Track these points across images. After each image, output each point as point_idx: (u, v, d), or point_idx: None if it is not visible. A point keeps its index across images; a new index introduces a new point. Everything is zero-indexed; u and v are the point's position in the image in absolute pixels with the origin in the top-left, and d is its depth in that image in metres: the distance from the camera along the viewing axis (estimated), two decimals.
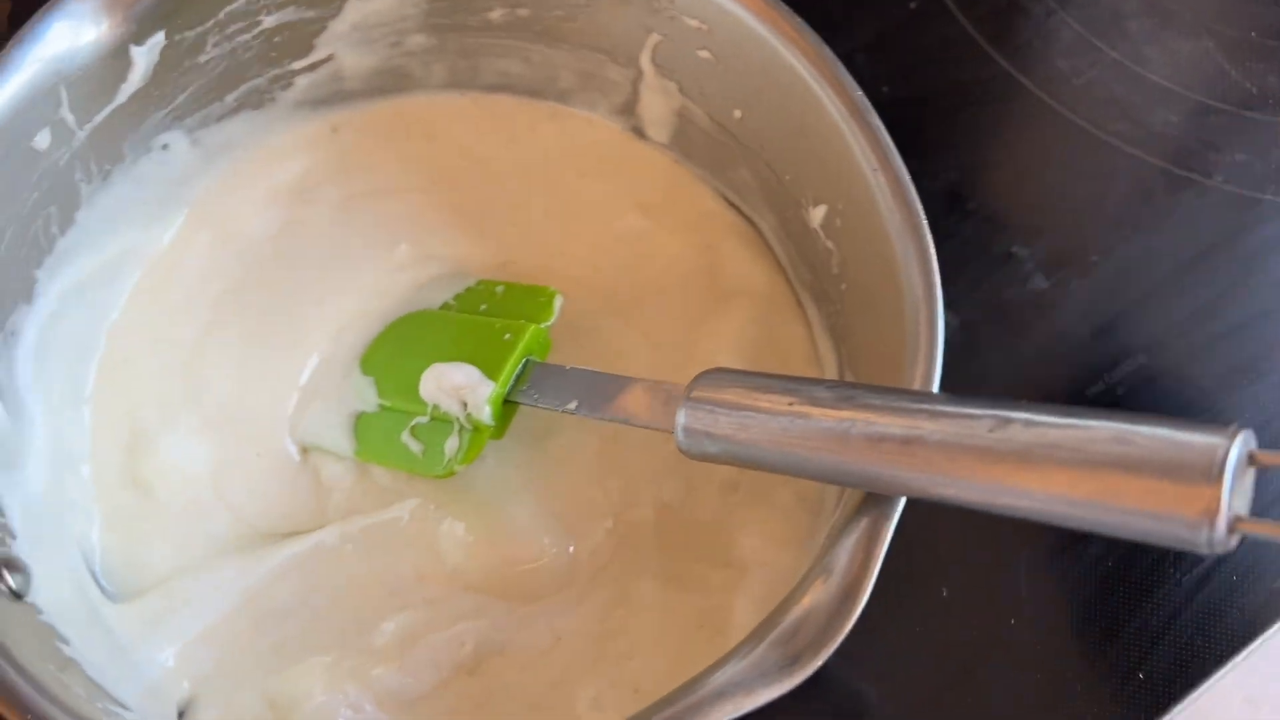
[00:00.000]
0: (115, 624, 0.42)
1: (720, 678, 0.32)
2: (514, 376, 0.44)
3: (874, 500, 0.34)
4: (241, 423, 0.47)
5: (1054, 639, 0.46)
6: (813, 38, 0.41)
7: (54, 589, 0.39)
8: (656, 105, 0.50)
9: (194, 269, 0.49)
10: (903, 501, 0.34)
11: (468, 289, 0.49)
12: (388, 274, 0.50)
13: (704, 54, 0.46)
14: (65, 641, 0.37)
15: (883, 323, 0.39)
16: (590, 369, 0.43)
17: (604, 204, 0.51)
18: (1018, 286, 0.53)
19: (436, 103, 0.52)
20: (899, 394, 0.34)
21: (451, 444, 0.44)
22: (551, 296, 0.47)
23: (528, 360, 0.44)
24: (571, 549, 0.44)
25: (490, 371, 0.44)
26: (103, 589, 0.43)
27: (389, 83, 0.51)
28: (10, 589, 0.36)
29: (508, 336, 0.45)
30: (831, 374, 0.46)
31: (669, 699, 0.33)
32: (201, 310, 0.49)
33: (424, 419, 0.45)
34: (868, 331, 0.41)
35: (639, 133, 0.51)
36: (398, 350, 0.47)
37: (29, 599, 0.37)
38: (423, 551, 0.45)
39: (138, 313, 0.48)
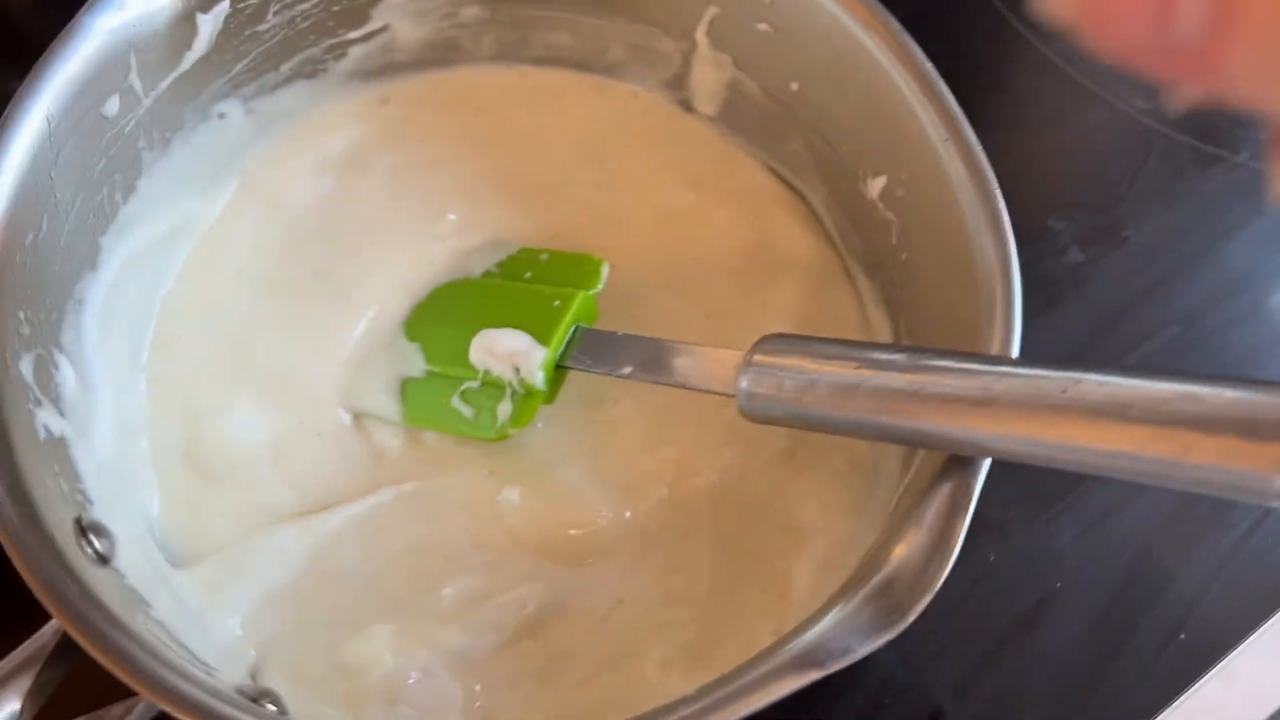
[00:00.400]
0: (181, 590, 0.42)
1: (817, 632, 0.33)
2: (565, 342, 0.44)
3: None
4: (294, 395, 0.47)
5: (1098, 601, 0.48)
6: (879, 9, 0.42)
7: (129, 554, 0.39)
8: (708, 78, 0.50)
9: (243, 240, 0.49)
10: None
11: (510, 257, 0.49)
12: (434, 243, 0.50)
13: (763, 26, 0.46)
14: (149, 605, 0.37)
15: (951, 292, 0.40)
16: (644, 335, 0.43)
17: (652, 178, 0.51)
18: (1054, 259, 0.54)
19: (484, 75, 0.52)
20: (965, 356, 0.35)
21: (504, 408, 0.45)
22: (598, 264, 0.47)
23: (577, 327, 0.45)
24: (628, 514, 0.45)
25: (541, 337, 0.44)
26: (165, 557, 0.43)
27: (438, 55, 0.51)
28: (98, 553, 0.36)
29: (557, 303, 0.45)
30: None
31: (769, 653, 0.33)
32: (250, 282, 0.49)
33: (474, 384, 0.45)
34: (932, 301, 0.42)
35: (687, 105, 0.52)
36: (444, 316, 0.47)
37: (114, 564, 0.37)
38: (478, 515, 0.45)
39: (189, 284, 0.48)
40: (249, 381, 0.47)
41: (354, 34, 0.48)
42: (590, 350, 0.44)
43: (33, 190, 0.37)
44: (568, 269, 0.48)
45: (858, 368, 0.35)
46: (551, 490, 0.45)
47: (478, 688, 0.42)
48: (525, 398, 0.45)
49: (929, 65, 0.41)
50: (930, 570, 0.33)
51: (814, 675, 0.32)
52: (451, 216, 0.50)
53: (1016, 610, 0.47)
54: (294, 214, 0.50)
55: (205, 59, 0.44)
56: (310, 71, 0.49)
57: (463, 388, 0.45)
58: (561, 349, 0.44)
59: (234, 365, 0.47)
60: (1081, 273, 0.54)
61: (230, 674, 0.39)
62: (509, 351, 0.44)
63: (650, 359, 0.42)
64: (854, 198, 0.46)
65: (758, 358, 0.38)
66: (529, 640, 0.43)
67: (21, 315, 0.37)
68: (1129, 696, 0.46)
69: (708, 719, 0.31)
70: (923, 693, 0.47)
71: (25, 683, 0.32)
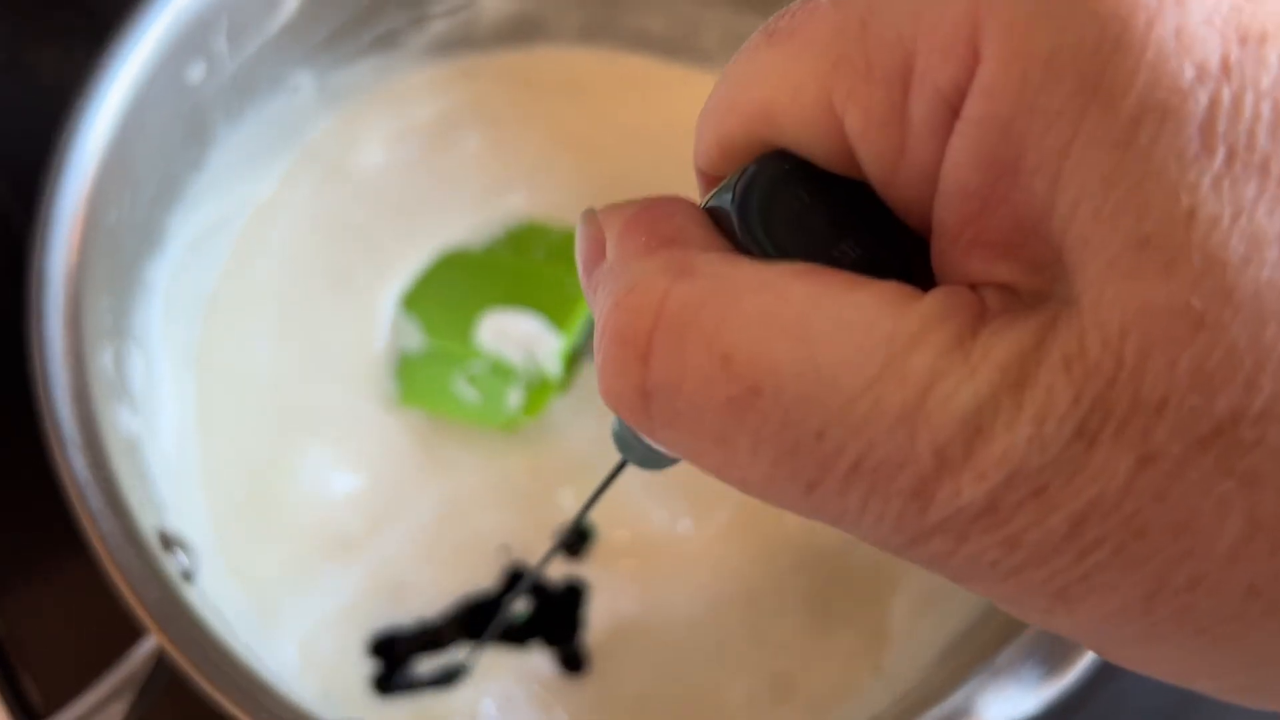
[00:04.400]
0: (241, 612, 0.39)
1: (977, 685, 0.31)
2: (581, 329, 0.42)
3: None
4: (334, 422, 0.43)
5: None
6: None
7: (208, 569, 0.36)
8: None
9: (287, 228, 0.45)
10: None
11: (515, 230, 0.46)
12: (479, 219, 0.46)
13: None
14: (232, 628, 0.34)
15: None
16: None
17: None
18: None
19: (569, 56, 0.49)
20: None
21: (515, 395, 0.42)
22: None
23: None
24: (689, 524, 0.42)
25: (555, 321, 0.41)
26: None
27: (521, 31, 0.48)
28: (184, 570, 0.33)
29: (574, 288, 0.42)
30: None
31: (919, 706, 0.31)
32: (289, 276, 0.45)
33: (482, 367, 0.42)
34: None
35: None
36: (447, 290, 0.44)
37: (197, 582, 0.34)
38: (529, 512, 0.42)
39: (232, 284, 0.44)
40: (291, 418, 0.43)
41: (439, 7, 0.45)
42: None
43: (117, 161, 0.34)
44: None
45: None
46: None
47: (561, 716, 0.40)
48: (538, 386, 0.42)
49: None
50: None
51: None
52: (519, 197, 0.47)
53: None
54: (345, 194, 0.46)
55: (291, 24, 0.40)
56: (388, 44, 0.45)
57: (470, 371, 0.42)
58: (578, 337, 0.42)
59: (274, 401, 0.43)
60: None
61: (303, 694, 0.36)
62: (522, 336, 0.42)
63: None
64: None
65: None
66: (606, 661, 0.41)
67: (105, 304, 0.33)
68: None
69: None
70: None
71: (118, 712, 0.29)
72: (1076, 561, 0.12)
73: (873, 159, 0.14)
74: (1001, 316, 0.12)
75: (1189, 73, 0.11)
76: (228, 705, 0.27)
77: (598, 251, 0.16)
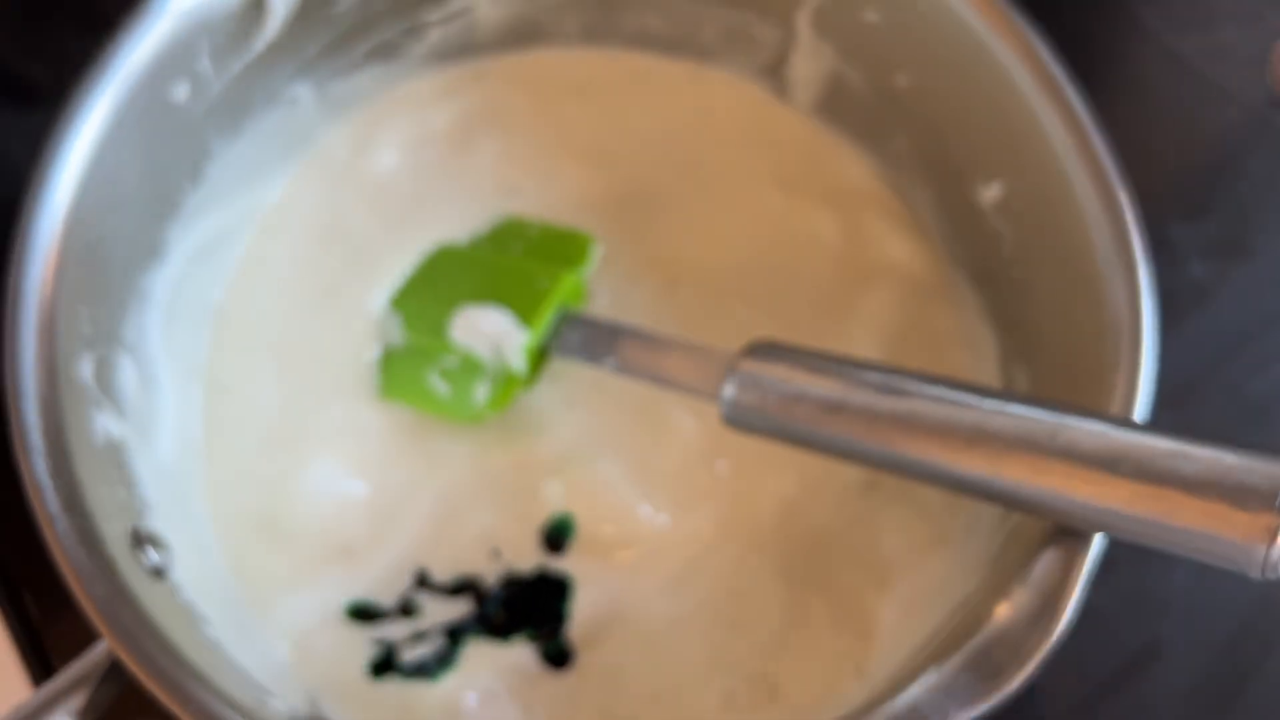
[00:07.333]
0: (234, 606, 0.40)
1: (909, 697, 0.30)
2: (549, 325, 0.42)
3: None
4: (344, 434, 0.44)
5: (1206, 654, 0.44)
6: (1003, 4, 0.38)
7: (187, 565, 0.37)
8: (807, 68, 0.47)
9: (296, 233, 0.47)
10: None
11: (496, 228, 0.47)
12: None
13: (872, 16, 0.43)
14: (206, 621, 0.36)
15: (1069, 317, 0.37)
16: (632, 325, 0.41)
17: (742, 178, 0.48)
18: (1173, 273, 0.50)
19: (570, 58, 0.50)
20: (958, 387, 0.33)
21: (481, 389, 0.42)
22: (587, 243, 0.45)
23: (564, 310, 0.43)
24: (670, 521, 0.42)
25: (524, 317, 0.42)
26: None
27: (521, 36, 0.49)
28: (154, 567, 0.34)
29: (544, 283, 0.43)
30: (991, 364, 0.43)
31: (861, 714, 0.31)
32: (296, 284, 0.46)
33: (454, 361, 0.43)
34: (1048, 323, 0.39)
35: (781, 95, 0.49)
36: (428, 286, 0.45)
37: (170, 578, 0.35)
38: (517, 508, 0.43)
39: (238, 298, 0.45)
40: (296, 426, 0.44)
41: (434, 15, 0.46)
42: (575, 337, 0.42)
43: (100, 182, 0.36)
44: (557, 246, 0.45)
45: (847, 386, 0.34)
46: (587, 483, 0.43)
47: (539, 710, 0.40)
48: (504, 380, 0.43)
49: (1057, 67, 0.37)
50: (1035, 635, 0.30)
51: None
52: (524, 199, 0.48)
53: (1118, 659, 0.44)
54: (352, 202, 0.47)
55: (278, 42, 0.42)
56: (385, 54, 0.46)
57: (442, 365, 0.43)
58: (545, 333, 0.42)
59: (280, 410, 0.44)
60: (1204, 288, 0.50)
61: (293, 695, 0.38)
62: (491, 331, 0.42)
63: (634, 352, 0.40)
64: (963, 204, 0.43)
65: (745, 365, 0.36)
66: (588, 653, 0.41)
67: (85, 313, 0.35)
68: None
69: None
70: None
71: (77, 701, 0.31)
72: None
73: None
74: None
75: None
76: (159, 694, 0.29)
77: None
